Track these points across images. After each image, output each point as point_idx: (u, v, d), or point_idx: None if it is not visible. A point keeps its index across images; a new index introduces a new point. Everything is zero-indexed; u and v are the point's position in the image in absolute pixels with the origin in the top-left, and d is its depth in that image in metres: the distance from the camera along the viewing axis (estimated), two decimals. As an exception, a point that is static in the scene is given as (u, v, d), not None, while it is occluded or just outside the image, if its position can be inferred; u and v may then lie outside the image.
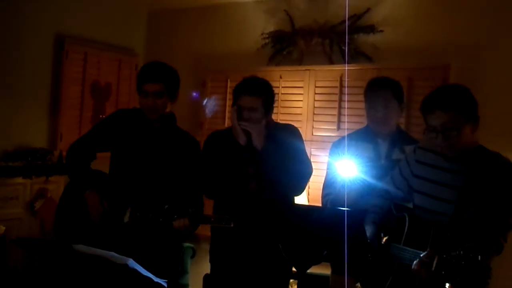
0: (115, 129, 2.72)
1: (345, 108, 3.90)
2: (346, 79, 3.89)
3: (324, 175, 2.83)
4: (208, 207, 2.79)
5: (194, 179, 2.71)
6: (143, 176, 2.65)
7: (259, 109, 2.62)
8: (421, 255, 1.96)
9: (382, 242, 2.23)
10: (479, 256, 1.74)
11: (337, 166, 2.63)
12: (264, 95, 2.64)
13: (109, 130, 2.74)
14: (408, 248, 2.10)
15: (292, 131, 2.75)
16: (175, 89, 2.69)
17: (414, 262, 1.97)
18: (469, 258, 1.73)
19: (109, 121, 2.79)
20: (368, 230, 2.29)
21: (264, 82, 2.71)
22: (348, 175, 2.51)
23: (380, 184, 2.43)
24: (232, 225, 2.37)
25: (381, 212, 2.34)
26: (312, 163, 2.75)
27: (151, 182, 2.64)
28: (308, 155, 2.79)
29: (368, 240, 2.27)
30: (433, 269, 1.87)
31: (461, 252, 1.76)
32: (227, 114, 4.40)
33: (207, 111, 4.51)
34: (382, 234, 2.27)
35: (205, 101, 4.53)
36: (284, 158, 2.59)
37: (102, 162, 2.81)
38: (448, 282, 1.75)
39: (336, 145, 2.82)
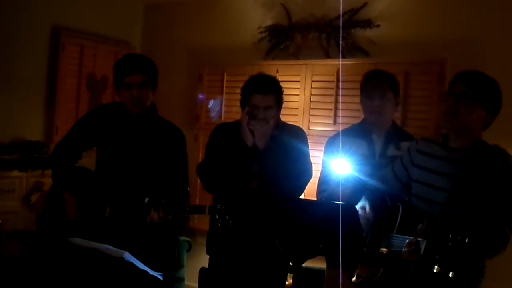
0: (98, 125, 2.67)
1: (341, 102, 3.91)
2: (341, 74, 3.90)
3: (320, 170, 2.84)
4: (207, 201, 2.79)
5: (180, 169, 2.68)
6: (128, 170, 2.60)
7: (274, 107, 2.60)
8: (408, 240, 1.96)
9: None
10: (467, 238, 1.72)
11: (332, 163, 2.63)
12: (276, 92, 2.62)
13: (91, 127, 2.69)
14: (398, 235, 2.10)
15: (297, 133, 2.73)
16: (156, 79, 2.65)
17: (404, 248, 1.97)
18: (456, 240, 1.72)
19: (90, 118, 2.73)
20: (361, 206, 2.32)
21: (273, 79, 2.70)
22: (343, 173, 2.51)
23: (373, 182, 2.43)
24: (206, 214, 2.34)
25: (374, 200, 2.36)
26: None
27: (136, 175, 2.60)
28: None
29: (364, 234, 2.28)
30: (421, 252, 1.87)
31: (449, 235, 1.75)
32: (223, 108, 4.40)
33: (212, 113, 4.50)
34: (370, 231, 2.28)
35: (210, 103, 4.51)
36: (284, 159, 2.57)
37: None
38: (436, 265, 1.73)
39: (331, 142, 2.82)
